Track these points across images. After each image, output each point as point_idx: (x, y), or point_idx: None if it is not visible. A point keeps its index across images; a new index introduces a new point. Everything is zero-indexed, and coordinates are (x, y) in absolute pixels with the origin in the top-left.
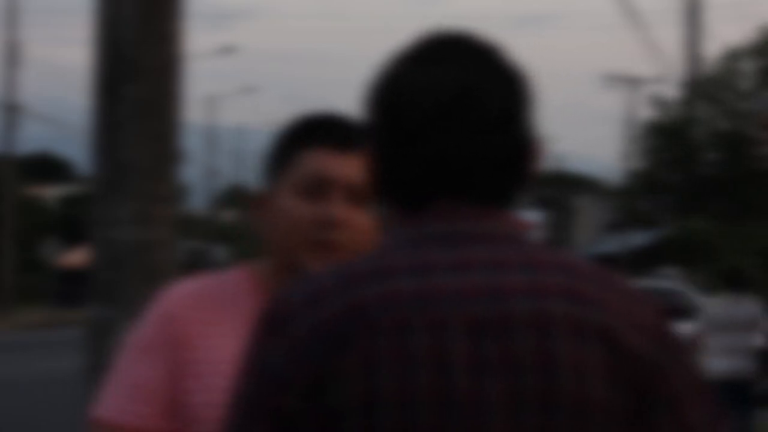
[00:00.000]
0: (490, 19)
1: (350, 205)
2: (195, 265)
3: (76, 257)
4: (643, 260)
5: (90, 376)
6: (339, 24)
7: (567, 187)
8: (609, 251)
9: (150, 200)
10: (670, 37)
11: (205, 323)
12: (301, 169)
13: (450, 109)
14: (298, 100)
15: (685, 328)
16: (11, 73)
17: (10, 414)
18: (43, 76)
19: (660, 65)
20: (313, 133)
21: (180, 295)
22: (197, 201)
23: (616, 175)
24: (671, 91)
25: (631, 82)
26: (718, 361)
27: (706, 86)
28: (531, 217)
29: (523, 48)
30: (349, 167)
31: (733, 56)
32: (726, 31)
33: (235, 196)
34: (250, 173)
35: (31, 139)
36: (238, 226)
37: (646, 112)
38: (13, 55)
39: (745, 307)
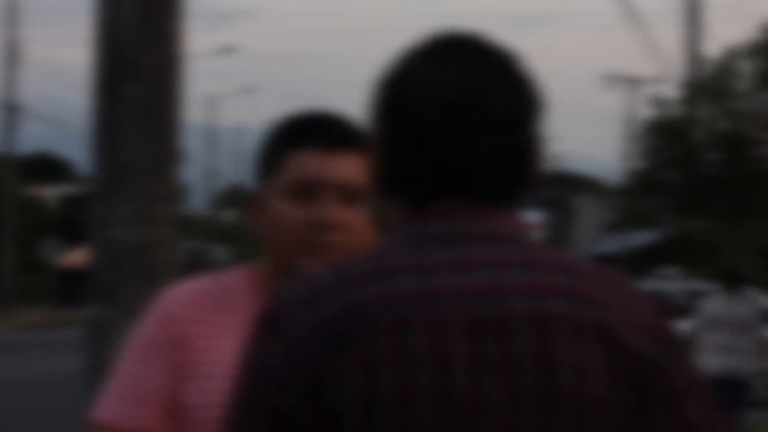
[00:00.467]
0: (490, 19)
1: (343, 206)
2: (195, 265)
3: (76, 257)
4: (643, 260)
5: (90, 376)
6: (339, 24)
7: (567, 187)
8: (609, 251)
9: (150, 200)
10: (670, 37)
11: (204, 324)
12: (291, 171)
13: (454, 110)
14: (298, 100)
15: (682, 326)
16: (11, 73)
17: (10, 414)
18: (43, 76)
19: (660, 65)
20: (302, 134)
21: (179, 295)
22: (197, 201)
23: (616, 175)
24: (671, 91)
25: (631, 82)
26: (714, 359)
27: (705, 86)
28: (531, 217)
29: (523, 48)
30: (339, 167)
31: (731, 56)
32: (726, 31)
33: (235, 196)
34: (250, 173)
35: (31, 139)
36: (238, 226)
37: (646, 112)
38: (13, 55)
39: (742, 306)
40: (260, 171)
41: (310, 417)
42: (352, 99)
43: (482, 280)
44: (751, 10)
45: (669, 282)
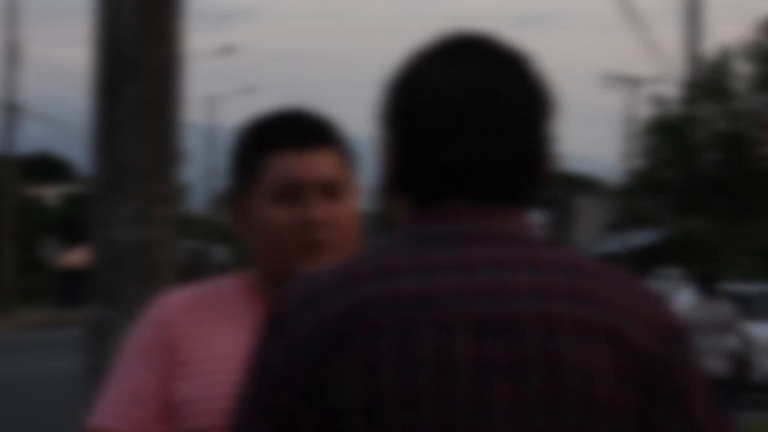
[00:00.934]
0: (490, 19)
1: (327, 202)
2: (195, 265)
3: (76, 257)
4: (644, 260)
5: (90, 376)
6: (339, 24)
7: (567, 187)
8: (609, 251)
9: (150, 200)
10: (670, 37)
11: (198, 328)
12: (270, 175)
13: (463, 111)
14: (298, 100)
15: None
16: (11, 73)
17: (10, 414)
18: (43, 76)
19: (660, 65)
20: (276, 136)
21: (173, 302)
22: (197, 201)
23: (617, 174)
24: (671, 91)
25: (631, 82)
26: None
27: (704, 86)
28: (531, 217)
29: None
30: (318, 165)
31: (726, 57)
32: (726, 31)
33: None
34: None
35: (31, 139)
36: None
37: (646, 112)
38: (13, 55)
39: (720, 309)
40: (236, 175)
41: (311, 417)
42: (352, 99)
43: (486, 280)
44: (751, 10)
45: (749, 284)
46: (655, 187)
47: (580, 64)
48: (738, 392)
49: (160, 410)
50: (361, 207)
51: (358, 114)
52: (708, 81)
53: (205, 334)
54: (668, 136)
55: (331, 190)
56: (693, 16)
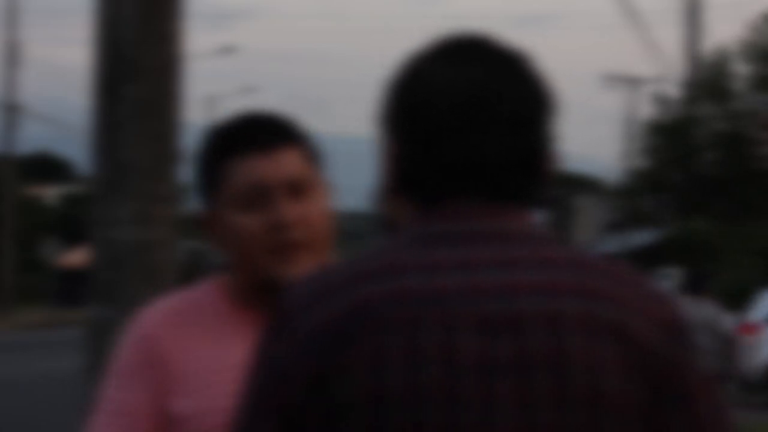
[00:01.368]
0: (490, 19)
1: (295, 201)
2: (195, 265)
3: (76, 257)
4: (644, 260)
5: (90, 376)
6: (339, 24)
7: (567, 187)
8: (609, 251)
9: (150, 200)
10: (670, 37)
11: (181, 339)
12: (234, 183)
13: (464, 111)
14: (298, 100)
15: None
16: (11, 73)
17: (10, 414)
18: (43, 76)
19: (660, 65)
20: (236, 142)
21: (153, 315)
22: (196, 201)
23: (617, 175)
24: (671, 90)
25: (631, 82)
26: None
27: (703, 86)
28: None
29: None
30: (281, 165)
31: (723, 57)
32: (726, 31)
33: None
34: None
35: (31, 139)
36: None
37: (646, 112)
38: (13, 55)
39: (704, 308)
40: (203, 188)
41: (316, 413)
42: (352, 99)
43: (491, 278)
44: (751, 10)
45: None
46: (655, 187)
47: (580, 64)
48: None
49: (152, 427)
50: (332, 203)
51: (358, 114)
52: (708, 81)
53: (194, 347)
54: (668, 136)
55: (298, 188)
56: (693, 16)
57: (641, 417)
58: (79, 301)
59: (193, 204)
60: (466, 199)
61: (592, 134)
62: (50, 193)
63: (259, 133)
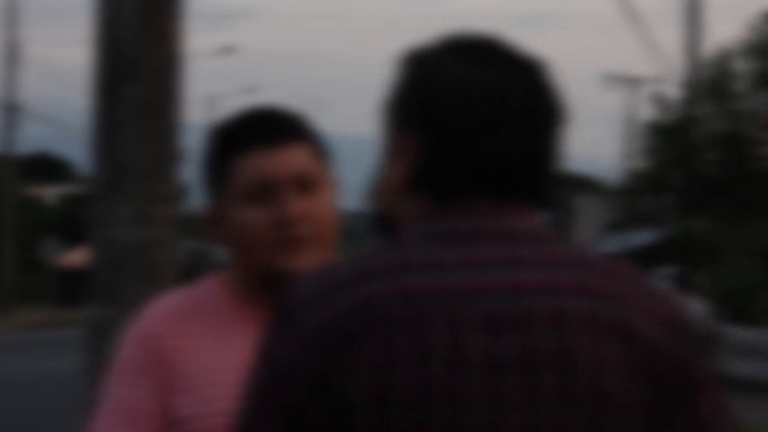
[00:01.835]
0: (490, 19)
1: (302, 196)
2: (195, 265)
3: (76, 257)
4: (644, 260)
5: (90, 376)
6: (339, 24)
7: (567, 187)
8: (610, 251)
9: (150, 200)
10: (670, 37)
11: (183, 337)
12: (240, 177)
13: (479, 110)
14: (298, 99)
15: None
16: (11, 73)
17: (10, 414)
18: (43, 76)
19: (660, 65)
20: (242, 137)
21: (155, 313)
22: (197, 201)
23: (617, 175)
24: (671, 91)
25: (631, 82)
26: None
27: (704, 86)
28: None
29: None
30: (287, 159)
31: (725, 56)
32: (726, 31)
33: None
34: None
35: (31, 139)
36: None
37: (646, 112)
38: (13, 55)
39: (692, 305)
40: (210, 185)
41: (319, 412)
42: (352, 99)
43: (497, 277)
44: (751, 10)
45: None
46: (655, 187)
47: (580, 64)
48: None
49: (155, 425)
50: (338, 201)
51: (358, 114)
52: (708, 81)
53: (198, 346)
54: (668, 137)
55: (305, 183)
56: (693, 16)
57: (644, 415)
58: (79, 301)
59: (194, 203)
60: (475, 198)
61: (592, 134)
62: (50, 193)
63: (265, 128)
